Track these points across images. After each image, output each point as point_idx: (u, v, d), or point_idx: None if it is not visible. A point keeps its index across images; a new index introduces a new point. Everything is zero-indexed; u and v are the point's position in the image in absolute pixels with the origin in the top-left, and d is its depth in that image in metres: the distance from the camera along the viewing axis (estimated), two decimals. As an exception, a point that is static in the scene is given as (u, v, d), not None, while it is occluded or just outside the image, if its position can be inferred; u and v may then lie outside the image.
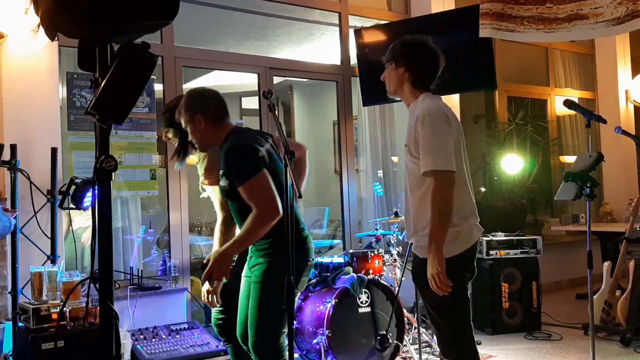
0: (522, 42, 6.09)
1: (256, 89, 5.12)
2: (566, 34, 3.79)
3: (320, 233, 7.08)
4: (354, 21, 5.61)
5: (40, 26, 3.67)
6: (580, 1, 3.60)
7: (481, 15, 4.26)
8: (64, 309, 3.01)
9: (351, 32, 5.32)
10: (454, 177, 2.34)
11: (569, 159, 7.04)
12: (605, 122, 3.33)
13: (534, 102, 6.80)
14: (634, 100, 7.04)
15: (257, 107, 5.31)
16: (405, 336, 3.86)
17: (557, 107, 7.01)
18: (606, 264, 4.62)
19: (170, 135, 3.00)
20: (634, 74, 7.13)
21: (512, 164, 5.63)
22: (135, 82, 1.60)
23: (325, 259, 4.13)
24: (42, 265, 3.38)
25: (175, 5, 1.67)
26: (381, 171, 5.80)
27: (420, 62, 2.49)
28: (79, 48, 1.67)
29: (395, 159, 6.10)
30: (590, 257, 3.30)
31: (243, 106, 8.19)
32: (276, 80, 5.35)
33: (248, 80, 6.46)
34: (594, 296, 4.26)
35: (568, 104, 3.28)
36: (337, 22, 5.52)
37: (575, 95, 7.10)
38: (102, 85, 1.55)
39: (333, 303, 3.57)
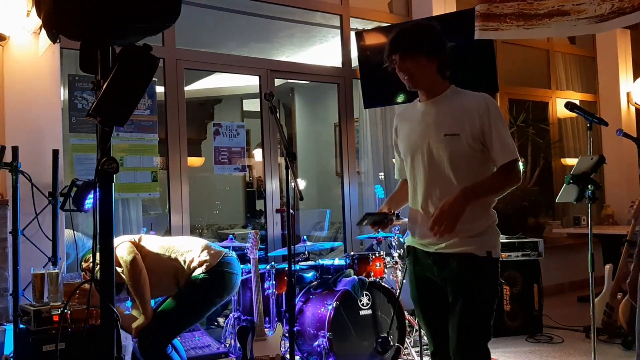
0: (508, 42, 6.10)
1: (257, 91, 5.13)
2: (546, 30, 3.71)
3: (322, 235, 7.09)
4: (355, 23, 5.62)
5: (42, 28, 3.68)
6: None
7: (475, 17, 4.26)
8: (65, 310, 3.00)
9: (352, 34, 5.32)
10: None
11: (571, 161, 7.04)
12: (606, 124, 3.33)
13: (536, 104, 6.80)
14: (635, 103, 7.03)
15: (258, 109, 5.32)
16: (406, 339, 3.85)
17: (558, 109, 7.01)
18: (608, 266, 4.61)
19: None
20: (635, 77, 7.12)
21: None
22: (136, 84, 1.60)
23: (327, 261, 4.13)
24: (44, 267, 3.39)
25: (177, 7, 1.67)
26: (382, 173, 5.79)
27: (446, 51, 2.34)
28: (80, 50, 1.67)
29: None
30: (592, 260, 3.29)
31: (244, 108, 8.20)
32: (277, 82, 5.36)
33: (249, 82, 6.47)
34: (596, 299, 4.25)
35: (569, 106, 3.28)
36: (339, 25, 5.52)
37: (576, 97, 7.10)
38: (104, 87, 1.55)
39: (334, 305, 3.57)
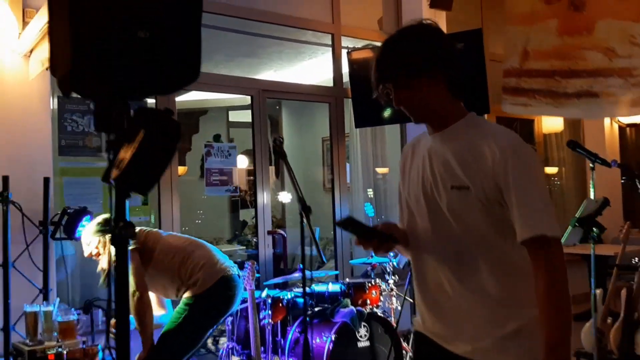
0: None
1: (243, 103, 5.07)
2: (574, 110, 3.76)
3: (313, 253, 7.00)
4: (346, 42, 5.58)
5: (33, 51, 3.56)
6: (591, 77, 3.55)
7: (503, 89, 4.28)
8: (60, 350, 2.92)
9: (344, 52, 5.28)
10: None
11: (551, 170, 7.23)
12: (609, 165, 3.37)
13: (523, 122, 6.86)
14: (618, 121, 7.15)
15: (243, 120, 5.26)
16: (402, 369, 3.84)
17: (544, 125, 7.08)
18: (598, 291, 4.64)
19: None
20: (618, 94, 7.23)
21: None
22: (160, 152, 1.54)
23: (321, 287, 4.07)
24: (34, 299, 3.29)
25: (197, 69, 1.63)
26: (371, 190, 5.78)
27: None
28: (95, 111, 1.61)
29: (381, 170, 6.06)
30: (595, 302, 3.28)
31: (230, 119, 8.11)
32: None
33: (235, 94, 6.40)
34: (586, 324, 4.30)
35: (572, 145, 3.30)
36: (330, 43, 5.47)
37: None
38: (129, 159, 1.47)
39: (332, 338, 3.53)
